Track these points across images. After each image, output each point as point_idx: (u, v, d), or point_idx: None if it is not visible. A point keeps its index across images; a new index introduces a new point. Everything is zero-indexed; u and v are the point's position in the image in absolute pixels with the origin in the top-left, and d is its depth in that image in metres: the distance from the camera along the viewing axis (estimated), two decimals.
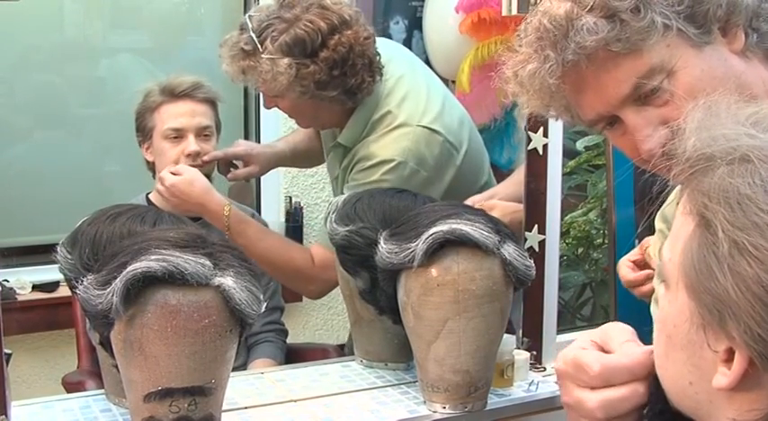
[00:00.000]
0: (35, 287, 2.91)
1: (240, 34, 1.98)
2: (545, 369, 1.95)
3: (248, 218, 2.13)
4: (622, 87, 1.09)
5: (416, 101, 2.08)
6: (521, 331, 1.90)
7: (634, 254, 1.75)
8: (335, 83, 1.96)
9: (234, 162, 2.39)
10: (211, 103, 2.36)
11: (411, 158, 2.03)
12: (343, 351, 2.51)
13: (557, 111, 1.19)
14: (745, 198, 0.72)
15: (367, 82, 2.00)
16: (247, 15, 1.99)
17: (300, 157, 2.52)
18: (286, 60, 1.91)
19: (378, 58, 2.05)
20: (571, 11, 1.06)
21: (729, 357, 0.75)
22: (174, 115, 2.30)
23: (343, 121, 2.10)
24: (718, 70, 1.09)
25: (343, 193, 2.00)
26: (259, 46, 1.93)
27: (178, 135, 2.29)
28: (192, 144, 2.27)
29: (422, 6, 3.28)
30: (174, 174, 2.09)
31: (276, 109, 2.15)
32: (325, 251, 2.02)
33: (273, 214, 3.28)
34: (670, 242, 0.81)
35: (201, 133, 2.31)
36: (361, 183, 2.01)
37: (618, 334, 0.97)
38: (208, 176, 2.26)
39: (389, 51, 2.17)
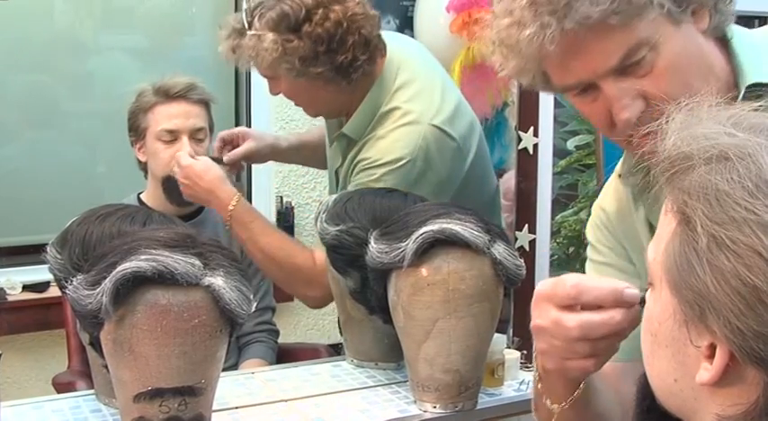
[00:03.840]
0: (25, 287, 2.91)
1: (237, 14, 1.98)
2: None
3: (255, 212, 2.10)
4: (612, 58, 1.12)
5: (430, 100, 2.00)
6: (511, 330, 1.91)
7: None
8: (322, 59, 1.90)
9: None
10: (205, 104, 2.36)
11: (420, 157, 1.94)
12: (334, 351, 2.51)
13: (535, 76, 1.21)
14: (723, 194, 0.73)
15: (361, 61, 1.93)
16: None
17: (308, 152, 2.45)
18: (271, 35, 1.88)
19: (378, 38, 1.99)
20: None
21: (711, 352, 0.75)
22: (169, 116, 2.30)
23: (351, 111, 2.04)
24: (691, 47, 1.14)
25: (343, 189, 1.99)
26: (246, 24, 1.92)
27: (172, 136, 2.29)
28: (185, 146, 2.27)
29: (413, 6, 3.28)
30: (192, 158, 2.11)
31: (268, 110, 2.13)
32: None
33: (265, 214, 3.26)
34: (654, 242, 0.83)
35: (195, 135, 2.31)
36: (366, 183, 1.94)
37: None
38: None
39: (412, 50, 2.15)
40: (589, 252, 1.42)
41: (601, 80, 1.14)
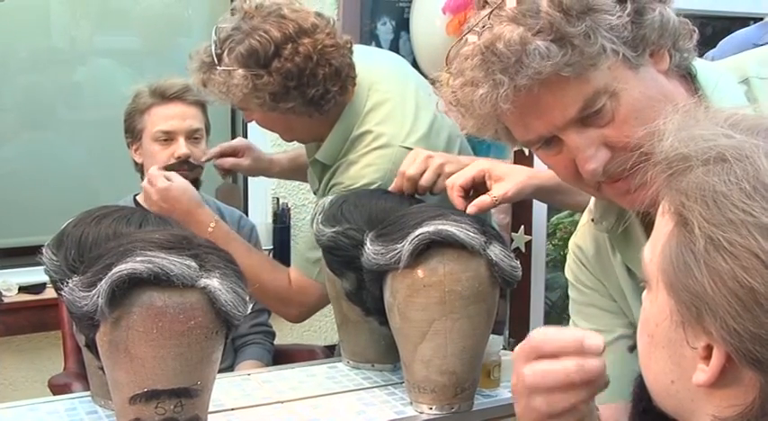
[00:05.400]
0: (21, 289, 2.90)
1: (206, 46, 1.94)
2: None
3: (233, 234, 2.08)
4: (569, 111, 1.09)
5: (402, 121, 1.98)
6: (507, 331, 1.91)
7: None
8: (293, 94, 1.88)
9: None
10: (201, 105, 2.37)
11: (392, 180, 1.88)
12: (330, 352, 2.51)
13: (497, 132, 1.19)
14: (720, 195, 0.73)
15: (332, 92, 1.91)
16: (215, 26, 1.93)
17: (299, 174, 2.44)
18: (241, 72, 1.85)
19: (349, 67, 1.95)
20: (525, 35, 1.05)
21: (708, 354, 0.75)
22: (165, 118, 2.30)
23: (324, 136, 2.01)
24: (652, 90, 1.10)
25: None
26: (215, 58, 1.88)
27: (168, 137, 2.29)
28: (182, 147, 2.27)
29: (409, 7, 3.28)
30: (167, 179, 2.07)
31: None
32: (301, 275, 2.01)
33: (261, 215, 3.28)
34: (651, 243, 0.82)
35: (191, 136, 2.31)
36: None
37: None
38: (196, 180, 2.26)
39: (386, 69, 2.11)
40: (571, 292, 1.39)
41: (562, 133, 1.11)
